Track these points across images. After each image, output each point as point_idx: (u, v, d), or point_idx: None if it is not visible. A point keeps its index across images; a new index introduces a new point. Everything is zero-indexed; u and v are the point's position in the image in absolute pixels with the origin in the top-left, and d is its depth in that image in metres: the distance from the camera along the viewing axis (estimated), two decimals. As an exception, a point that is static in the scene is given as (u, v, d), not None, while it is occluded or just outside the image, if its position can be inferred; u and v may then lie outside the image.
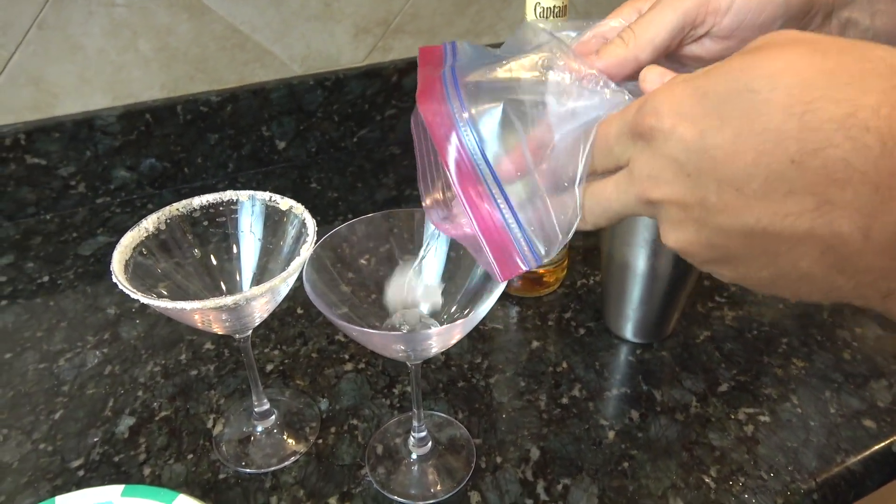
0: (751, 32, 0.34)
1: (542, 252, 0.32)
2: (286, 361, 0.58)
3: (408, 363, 0.42)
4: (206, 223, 0.46)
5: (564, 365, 0.57)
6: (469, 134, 0.32)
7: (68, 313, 0.64)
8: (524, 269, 0.32)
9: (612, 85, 0.31)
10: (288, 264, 0.41)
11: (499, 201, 0.32)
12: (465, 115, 0.32)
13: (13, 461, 0.50)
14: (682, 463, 0.49)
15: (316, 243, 0.41)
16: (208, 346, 0.60)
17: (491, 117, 0.32)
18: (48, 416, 0.53)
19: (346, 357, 0.58)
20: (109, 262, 0.40)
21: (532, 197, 0.32)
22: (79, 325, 0.63)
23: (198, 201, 0.45)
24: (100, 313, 0.64)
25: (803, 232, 0.23)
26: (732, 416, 0.52)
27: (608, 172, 0.30)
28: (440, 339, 0.37)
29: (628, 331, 0.59)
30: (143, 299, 0.36)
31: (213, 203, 0.46)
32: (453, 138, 0.32)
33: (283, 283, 0.39)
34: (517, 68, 0.33)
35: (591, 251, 0.72)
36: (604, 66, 0.32)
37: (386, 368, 0.57)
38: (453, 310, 0.43)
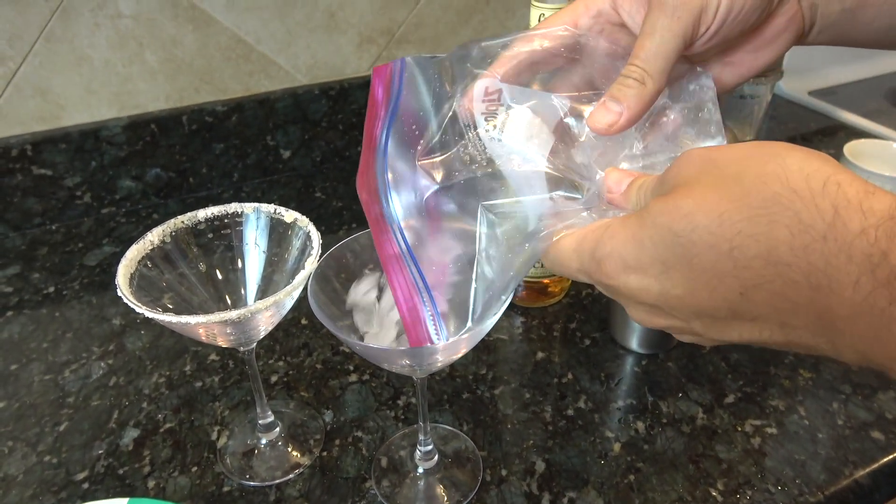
0: (739, 23, 0.35)
1: (448, 334, 0.36)
2: (290, 373, 0.58)
3: (413, 376, 0.42)
4: (210, 235, 0.46)
5: (570, 376, 0.57)
6: (399, 236, 0.35)
7: (74, 324, 0.64)
8: (427, 344, 0.36)
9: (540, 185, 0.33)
10: (293, 277, 0.41)
11: (418, 286, 0.35)
12: (393, 211, 0.34)
13: (18, 474, 0.50)
14: (688, 476, 0.48)
15: (320, 256, 0.40)
16: (213, 357, 0.60)
17: (420, 214, 0.35)
18: (53, 427, 0.53)
19: (351, 368, 0.58)
20: (115, 273, 0.40)
21: (459, 289, 0.35)
22: (84, 335, 0.63)
23: (203, 214, 0.45)
24: (105, 324, 0.64)
25: (781, 342, 0.25)
26: (739, 428, 0.52)
27: None
28: (446, 352, 0.37)
29: (634, 341, 0.59)
30: (148, 313, 0.36)
31: (217, 215, 0.46)
32: (388, 235, 0.35)
33: (287, 297, 0.38)
34: (454, 127, 0.34)
35: (596, 261, 0.71)
36: (630, 114, 0.32)
37: (391, 380, 0.57)
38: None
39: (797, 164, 0.23)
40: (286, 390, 0.57)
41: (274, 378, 0.58)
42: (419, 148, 0.35)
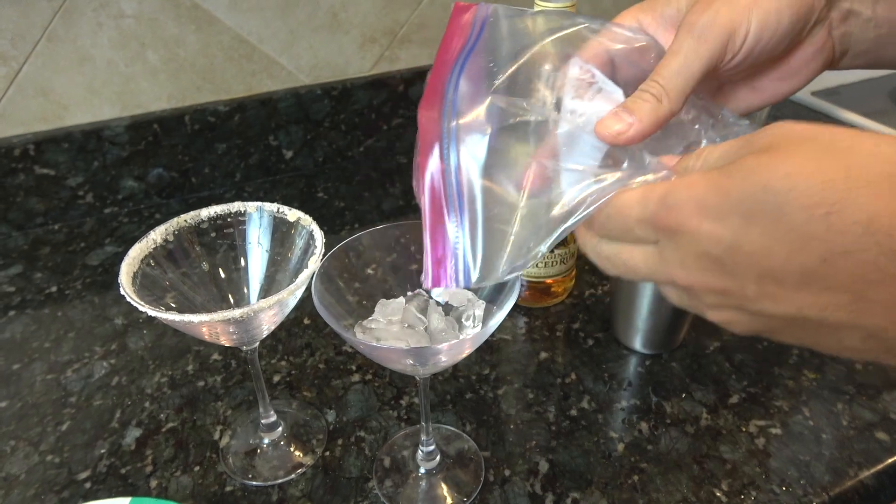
0: (766, 52, 0.34)
1: (474, 279, 0.33)
2: (293, 372, 0.58)
3: (416, 376, 0.42)
4: (213, 234, 0.46)
5: (573, 376, 0.57)
6: (452, 151, 0.32)
7: (76, 324, 0.64)
8: (446, 285, 0.33)
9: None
10: (296, 276, 0.41)
11: (453, 222, 0.33)
12: (454, 128, 0.32)
13: (20, 473, 0.50)
14: (692, 476, 0.48)
15: (324, 255, 0.40)
16: (215, 356, 0.60)
17: (480, 142, 0.32)
18: (55, 427, 0.53)
19: (354, 368, 0.58)
20: (117, 273, 0.40)
21: (493, 224, 0.33)
22: (86, 335, 0.63)
23: (206, 213, 0.45)
24: (107, 324, 0.64)
25: (844, 322, 0.24)
26: (743, 429, 0.52)
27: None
28: (450, 353, 0.37)
29: (637, 342, 0.59)
30: (151, 312, 0.36)
31: (220, 214, 0.46)
32: (435, 150, 0.32)
33: (290, 296, 0.38)
34: (533, 78, 0.33)
35: (599, 261, 0.71)
36: (641, 127, 0.31)
37: (393, 380, 0.57)
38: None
39: None
40: (289, 390, 0.56)
41: (276, 378, 0.58)
42: (495, 82, 0.33)
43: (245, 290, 0.46)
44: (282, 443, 0.51)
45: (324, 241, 0.42)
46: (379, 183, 0.87)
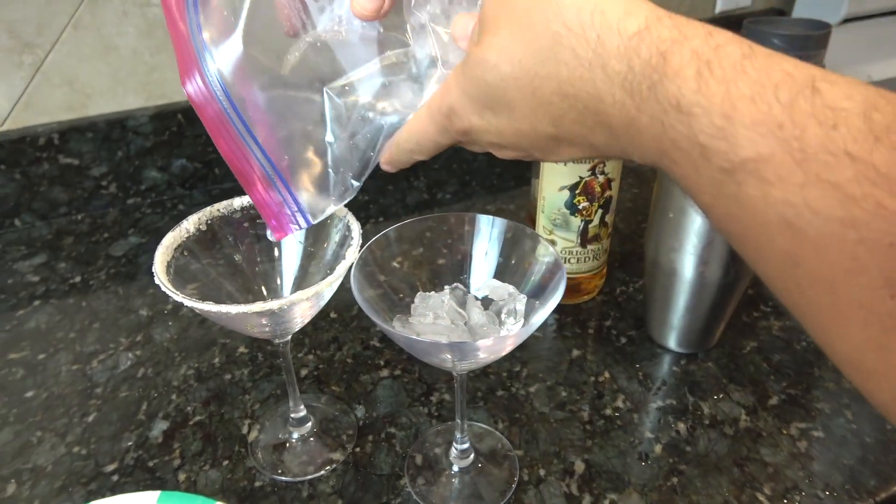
0: None
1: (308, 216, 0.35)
2: (321, 367, 0.57)
3: (453, 371, 0.41)
4: (246, 224, 0.45)
5: (606, 375, 0.56)
6: (211, 65, 0.33)
7: (100, 314, 0.64)
8: (290, 231, 0.36)
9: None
10: (331, 268, 0.40)
11: (266, 170, 0.34)
12: (206, 39, 0.32)
13: (47, 465, 0.49)
14: (733, 480, 0.47)
15: (361, 247, 0.39)
16: (242, 349, 0.59)
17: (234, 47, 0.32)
18: (81, 418, 0.53)
19: (382, 363, 0.57)
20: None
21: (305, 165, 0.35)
22: (111, 326, 0.62)
23: (238, 202, 0.44)
24: (132, 315, 0.64)
25: (600, 156, 0.30)
26: (784, 431, 0.50)
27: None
28: (491, 349, 0.36)
29: (672, 340, 0.57)
30: (188, 302, 0.35)
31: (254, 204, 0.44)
32: (222, 122, 0.33)
33: (328, 287, 0.37)
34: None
35: (629, 257, 0.70)
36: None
37: (422, 376, 0.56)
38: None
39: (570, 0, 0.26)
40: (317, 384, 0.55)
41: (304, 372, 0.57)
42: (238, 32, 0.33)
43: (278, 282, 0.45)
44: (311, 438, 0.50)
45: (360, 231, 0.41)
46: (403, 176, 0.86)
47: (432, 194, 0.83)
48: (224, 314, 0.35)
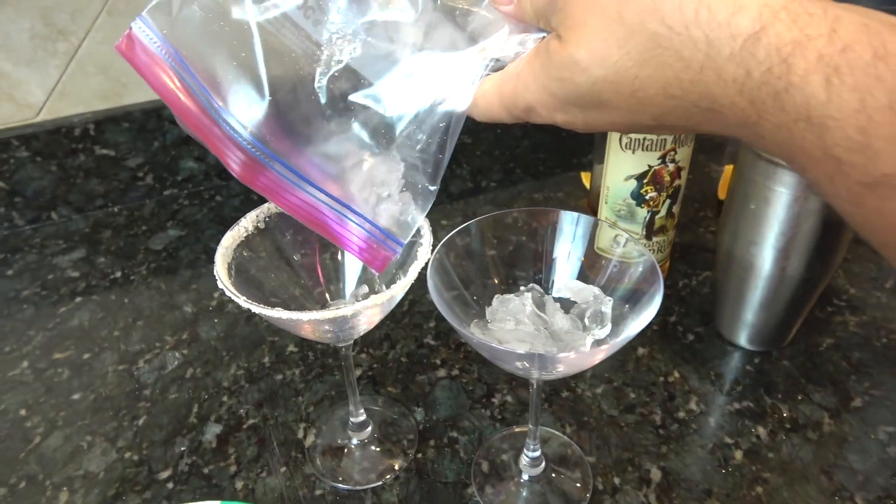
0: None
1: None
2: (375, 366, 0.55)
3: (529, 378, 0.38)
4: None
5: (676, 375, 0.53)
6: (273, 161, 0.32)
7: (144, 311, 0.62)
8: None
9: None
10: (400, 268, 0.38)
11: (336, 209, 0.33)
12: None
13: (99, 471, 0.47)
14: (822, 489, 0.44)
15: (434, 247, 0.37)
16: (292, 348, 0.57)
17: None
18: (132, 422, 0.51)
19: (438, 362, 0.55)
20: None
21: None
22: (156, 323, 0.60)
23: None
24: (176, 311, 0.62)
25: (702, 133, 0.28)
26: (872, 436, 0.47)
27: None
28: (574, 362, 0.33)
29: (743, 337, 0.54)
30: (255, 308, 0.32)
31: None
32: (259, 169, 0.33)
33: (402, 290, 0.35)
34: None
35: (689, 247, 0.66)
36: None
37: (482, 376, 0.53)
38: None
39: None
40: (372, 385, 0.53)
41: (358, 372, 0.54)
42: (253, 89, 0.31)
43: (341, 285, 0.42)
44: (371, 444, 0.48)
45: (430, 229, 0.38)
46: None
47: (476, 182, 0.80)
48: (295, 321, 0.32)
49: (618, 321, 0.37)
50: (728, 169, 0.77)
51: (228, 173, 0.80)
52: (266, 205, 0.41)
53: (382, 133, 0.33)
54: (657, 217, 0.54)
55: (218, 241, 0.38)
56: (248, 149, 0.31)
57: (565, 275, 0.39)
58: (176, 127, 0.74)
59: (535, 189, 0.78)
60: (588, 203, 0.61)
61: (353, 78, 0.32)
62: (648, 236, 0.55)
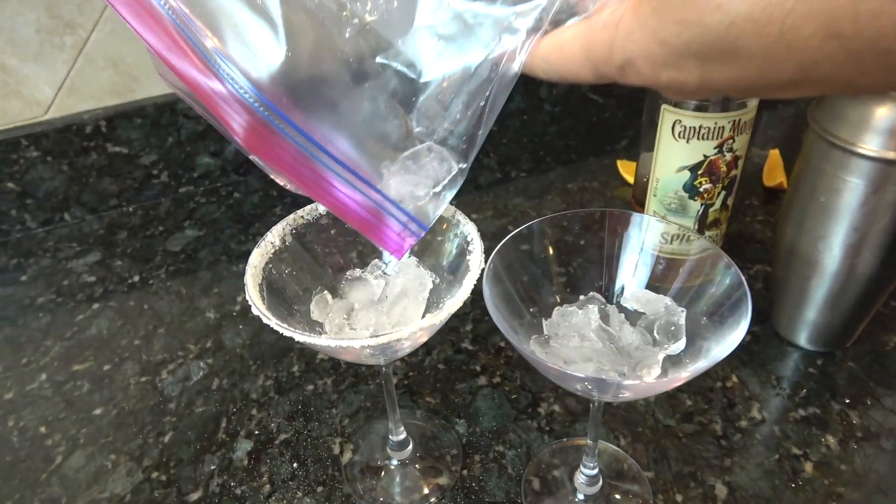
0: None
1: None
2: (410, 374, 0.52)
3: (589, 397, 0.35)
4: (333, 231, 0.39)
5: (734, 379, 0.49)
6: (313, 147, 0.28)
7: (164, 318, 0.59)
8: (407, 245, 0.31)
9: None
10: (452, 275, 0.34)
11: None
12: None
13: (125, 493, 0.45)
14: (903, 504, 0.41)
15: (489, 253, 0.33)
16: (321, 356, 0.54)
17: None
18: (157, 438, 0.48)
19: (478, 369, 0.52)
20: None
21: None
22: (177, 331, 0.58)
23: (323, 206, 0.38)
24: (199, 317, 0.59)
25: None
26: (952, 444, 0.44)
27: None
28: (643, 389, 0.30)
29: (803, 337, 0.51)
30: (298, 337, 0.29)
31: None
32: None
33: (456, 306, 0.31)
34: None
35: (738, 239, 0.63)
36: None
37: (525, 383, 0.50)
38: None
39: None
40: (408, 395, 0.50)
41: (393, 380, 0.51)
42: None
43: (385, 296, 0.39)
44: (413, 462, 0.45)
45: (477, 231, 0.35)
46: (471, 153, 0.79)
47: (505, 173, 0.76)
48: (344, 349, 0.29)
49: (692, 336, 0.33)
50: (773, 154, 0.73)
51: (245, 168, 0.77)
52: (291, 216, 0.37)
53: (411, 100, 0.28)
54: (711, 210, 0.50)
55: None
56: (258, 110, 0.27)
57: (633, 283, 0.35)
58: (190, 121, 0.71)
59: (569, 178, 0.74)
60: (633, 195, 0.57)
61: (381, 34, 0.27)
62: (701, 231, 0.52)
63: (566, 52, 0.26)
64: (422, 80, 0.27)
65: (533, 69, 0.27)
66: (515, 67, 0.27)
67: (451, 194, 0.30)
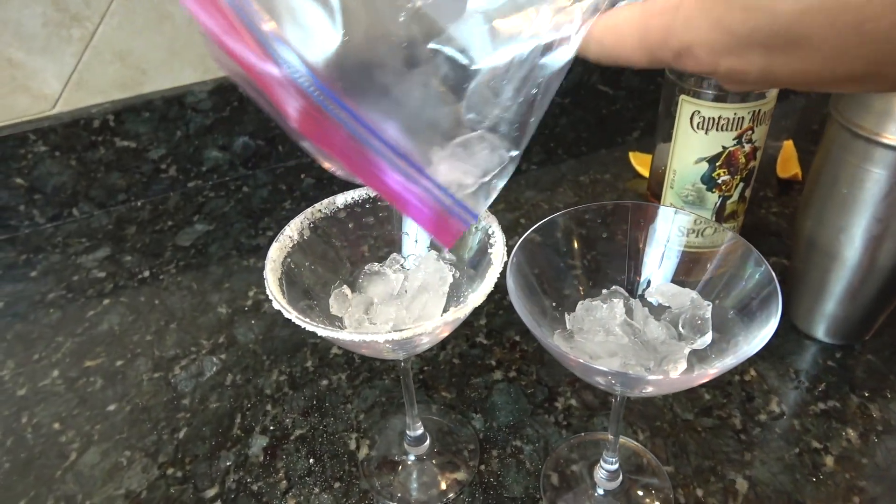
0: None
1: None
2: (425, 369, 0.51)
3: (611, 391, 0.35)
4: (351, 225, 0.39)
5: (752, 372, 0.49)
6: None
7: (176, 313, 0.59)
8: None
9: None
10: (473, 269, 0.34)
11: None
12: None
13: (140, 489, 0.44)
14: (926, 498, 0.40)
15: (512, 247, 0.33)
16: (335, 350, 0.53)
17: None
18: (172, 434, 0.48)
19: (493, 363, 0.51)
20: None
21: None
22: (189, 326, 0.57)
23: (341, 199, 0.38)
24: (210, 312, 0.58)
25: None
26: (974, 437, 0.43)
27: None
28: (669, 384, 0.29)
29: (822, 330, 0.50)
30: (321, 331, 0.29)
31: (359, 201, 0.38)
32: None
33: (480, 300, 0.31)
34: None
35: (753, 231, 0.62)
36: None
37: (541, 377, 0.50)
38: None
39: None
40: (424, 390, 0.50)
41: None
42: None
43: (404, 290, 0.38)
44: (431, 458, 0.44)
45: (499, 225, 0.34)
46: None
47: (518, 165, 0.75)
48: (367, 344, 0.29)
49: (718, 330, 0.33)
50: (787, 144, 0.72)
51: (254, 162, 0.76)
52: (309, 210, 0.37)
53: (463, 87, 0.28)
54: (728, 202, 0.50)
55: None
56: (313, 95, 0.26)
57: (657, 277, 0.35)
58: (198, 115, 0.71)
59: (580, 171, 0.74)
60: (648, 187, 0.57)
61: (433, 19, 0.27)
62: (718, 222, 0.51)
63: (620, 35, 0.25)
64: (473, 67, 0.27)
65: (586, 51, 0.26)
66: (570, 52, 0.26)
67: (502, 183, 0.30)
